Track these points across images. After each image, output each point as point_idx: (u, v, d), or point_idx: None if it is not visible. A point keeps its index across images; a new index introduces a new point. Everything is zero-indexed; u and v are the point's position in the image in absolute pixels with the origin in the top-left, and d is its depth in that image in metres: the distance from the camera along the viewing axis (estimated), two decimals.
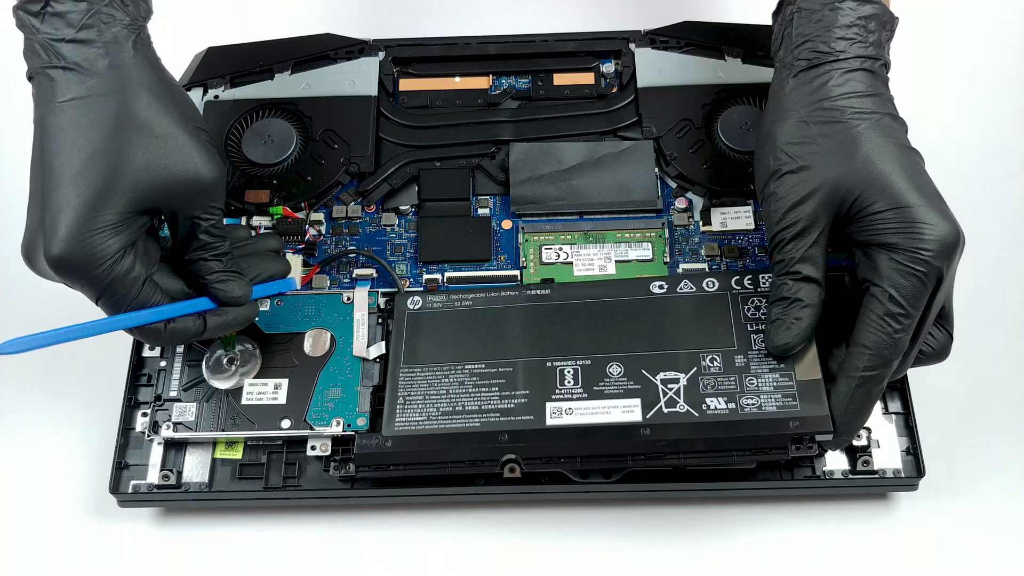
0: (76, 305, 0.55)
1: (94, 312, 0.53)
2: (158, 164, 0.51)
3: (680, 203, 0.64)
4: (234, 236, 0.56)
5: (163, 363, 0.59)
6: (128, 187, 0.50)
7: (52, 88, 0.50)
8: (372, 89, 0.68)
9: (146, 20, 0.53)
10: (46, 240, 0.49)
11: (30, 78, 0.51)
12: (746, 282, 0.58)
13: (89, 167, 0.50)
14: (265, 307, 0.60)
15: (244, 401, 0.58)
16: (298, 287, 0.61)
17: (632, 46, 0.69)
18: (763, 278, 0.57)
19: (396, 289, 0.61)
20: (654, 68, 0.68)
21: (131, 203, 0.50)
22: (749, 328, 0.56)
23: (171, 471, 0.57)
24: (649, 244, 0.62)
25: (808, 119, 0.53)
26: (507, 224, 0.64)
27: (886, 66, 0.54)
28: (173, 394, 0.58)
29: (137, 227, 0.51)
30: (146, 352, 0.60)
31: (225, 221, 0.56)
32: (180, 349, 0.60)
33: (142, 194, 0.51)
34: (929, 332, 0.53)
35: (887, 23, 0.54)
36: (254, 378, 0.58)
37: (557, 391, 0.55)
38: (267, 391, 0.58)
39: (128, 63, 0.51)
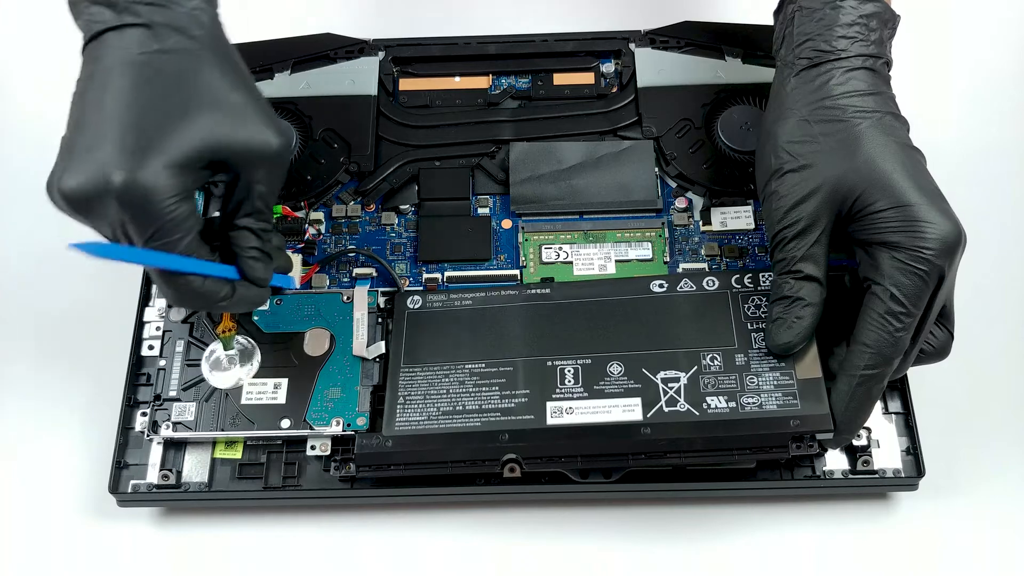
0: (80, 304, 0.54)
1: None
2: (235, 120, 0.50)
3: (680, 203, 0.64)
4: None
5: (162, 362, 0.59)
6: (198, 134, 0.49)
7: (123, 44, 0.49)
8: (372, 89, 0.68)
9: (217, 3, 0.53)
10: (106, 170, 0.47)
11: (92, 39, 0.50)
12: (746, 281, 0.58)
13: (159, 108, 0.49)
14: (265, 307, 0.60)
15: (244, 401, 0.58)
16: (297, 286, 0.61)
17: (632, 46, 0.69)
18: (763, 277, 0.57)
19: (396, 288, 0.61)
20: (654, 68, 0.68)
21: (199, 149, 0.49)
22: (749, 327, 0.56)
23: (171, 471, 0.57)
24: (649, 244, 0.62)
25: (809, 118, 0.53)
26: (507, 224, 0.64)
27: (888, 64, 0.54)
28: (172, 394, 0.58)
29: (200, 177, 0.50)
30: (145, 352, 0.60)
31: None
32: (180, 349, 0.60)
33: (211, 145, 0.50)
34: (930, 331, 0.53)
35: (889, 21, 0.54)
36: (254, 378, 0.58)
37: (557, 390, 0.55)
38: (267, 391, 0.58)
39: (208, 31, 0.51)
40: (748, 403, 0.54)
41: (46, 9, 0.76)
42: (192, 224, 0.50)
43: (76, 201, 0.48)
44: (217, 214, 0.54)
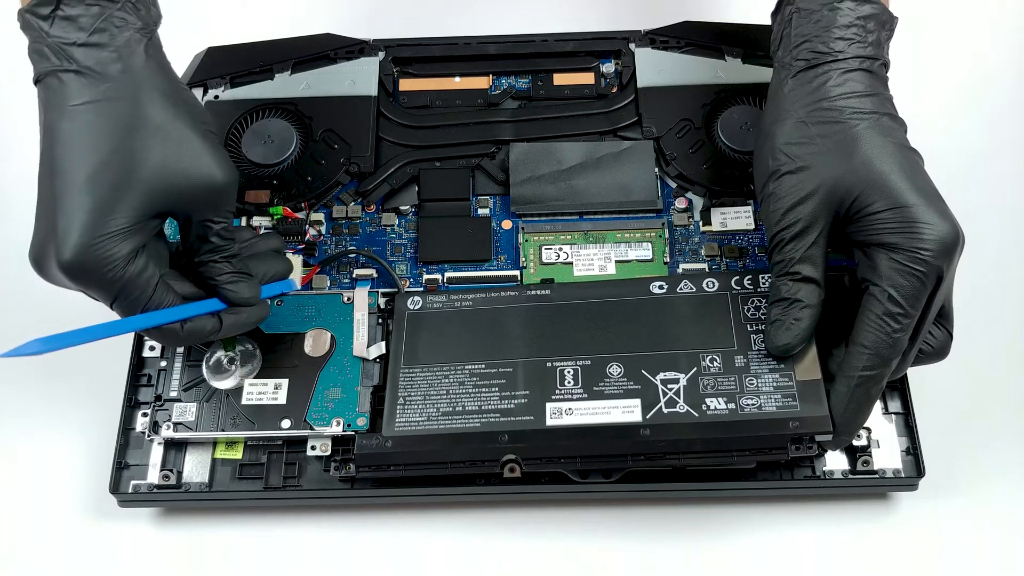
0: (80, 308, 0.55)
1: (98, 315, 0.52)
2: (173, 168, 0.51)
3: (680, 203, 0.64)
4: (239, 238, 0.56)
5: (163, 363, 0.59)
6: (142, 190, 0.50)
7: (63, 92, 0.50)
8: (372, 89, 0.68)
9: (156, 25, 0.53)
10: (58, 246, 0.49)
11: (36, 81, 0.51)
12: (746, 282, 0.58)
13: (102, 171, 0.49)
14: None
15: (244, 401, 0.58)
16: (298, 287, 0.61)
17: (632, 46, 0.69)
18: (763, 278, 0.57)
19: (396, 289, 0.61)
20: (654, 68, 0.68)
21: (144, 206, 0.50)
22: (749, 328, 0.56)
23: (171, 471, 0.57)
24: (649, 244, 0.62)
25: (807, 119, 0.53)
26: (507, 224, 0.64)
27: (885, 66, 0.54)
28: (173, 394, 0.58)
29: (149, 229, 0.51)
30: (146, 352, 0.60)
31: None
32: (180, 350, 0.60)
33: (156, 197, 0.50)
34: (929, 331, 0.53)
35: (886, 23, 0.54)
36: (254, 378, 0.58)
37: (557, 391, 0.55)
38: (267, 391, 0.58)
39: (140, 67, 0.51)
40: (747, 404, 0.54)
41: None
42: (150, 277, 0.51)
43: (36, 268, 0.51)
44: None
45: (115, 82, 0.50)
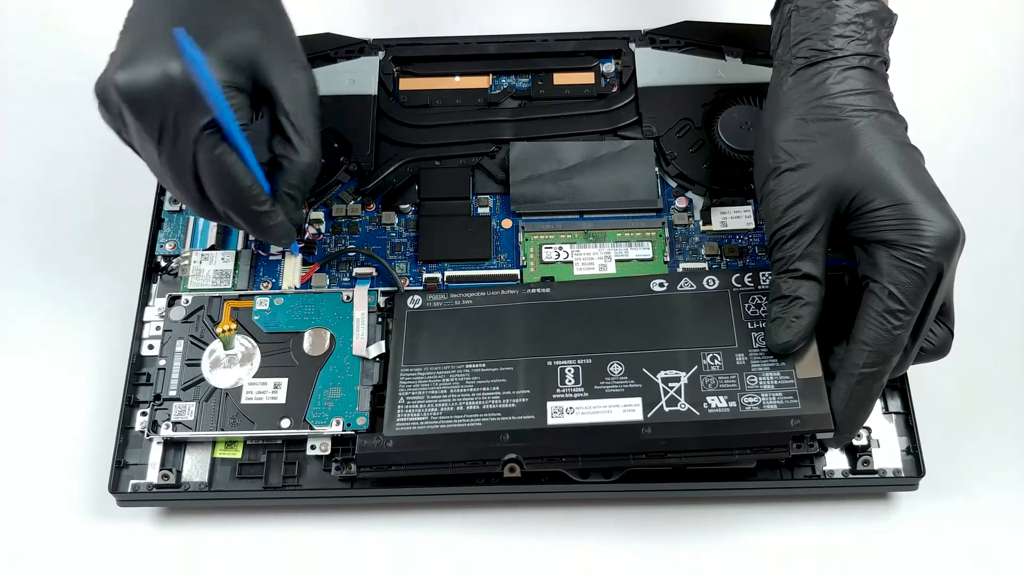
0: None
1: None
2: (271, 35, 0.54)
3: (680, 202, 0.64)
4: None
5: (162, 362, 0.59)
6: (246, 37, 0.52)
7: None
8: (372, 88, 0.68)
9: None
10: (168, 59, 0.49)
11: None
12: (746, 280, 0.58)
13: (212, 8, 0.52)
14: (265, 306, 0.60)
15: (244, 400, 0.58)
16: (297, 285, 0.61)
17: (632, 46, 0.69)
18: (763, 276, 0.57)
19: (396, 288, 0.61)
20: (654, 68, 0.68)
21: (247, 49, 0.52)
22: (750, 326, 0.56)
23: (170, 470, 0.57)
24: (649, 243, 0.62)
25: (807, 117, 0.53)
26: (507, 223, 0.64)
27: (885, 63, 0.54)
28: (172, 393, 0.58)
29: (246, 80, 0.53)
30: (145, 351, 0.60)
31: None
32: (179, 348, 0.59)
33: (255, 48, 0.53)
34: (930, 329, 0.53)
35: (886, 20, 0.54)
36: (254, 377, 0.58)
37: (558, 390, 0.55)
38: (267, 390, 0.58)
39: None
40: (748, 403, 0.54)
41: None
42: (245, 117, 0.52)
43: (133, 95, 0.50)
44: None
45: None
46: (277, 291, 0.61)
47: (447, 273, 0.62)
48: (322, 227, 0.64)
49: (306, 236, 0.63)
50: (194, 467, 0.58)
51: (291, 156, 0.55)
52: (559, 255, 0.62)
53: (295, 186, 0.56)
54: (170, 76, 0.50)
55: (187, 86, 0.49)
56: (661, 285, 0.58)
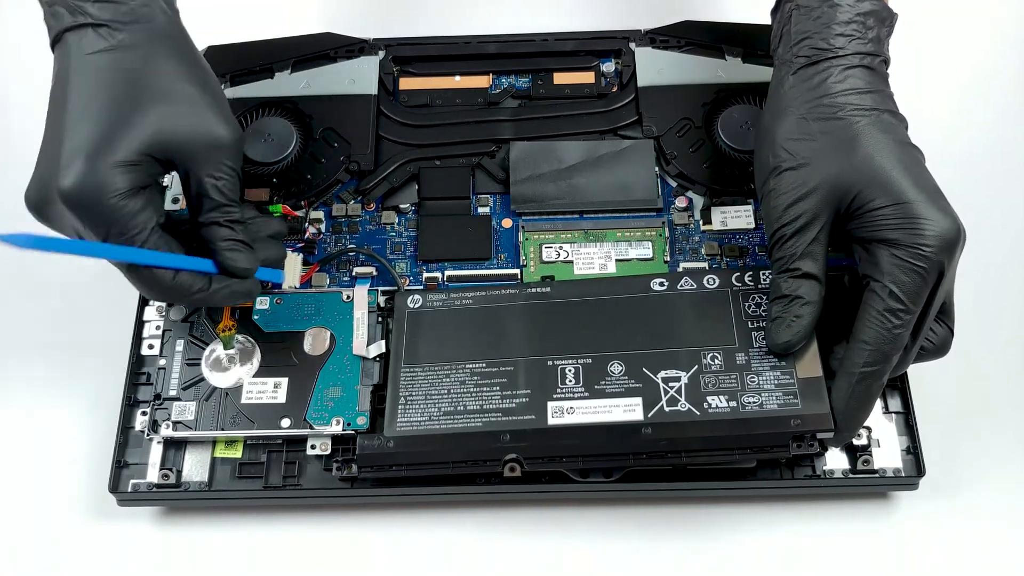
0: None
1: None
2: (177, 116, 0.52)
3: (680, 202, 0.64)
4: (244, 210, 0.56)
5: (162, 362, 0.59)
6: (146, 130, 0.51)
7: (79, 44, 0.52)
8: (372, 88, 0.68)
9: None
10: (60, 173, 0.50)
11: (54, 44, 0.53)
12: (747, 279, 0.58)
13: (107, 107, 0.51)
14: (265, 305, 0.60)
15: (244, 400, 0.58)
16: (296, 286, 0.60)
17: (632, 45, 0.69)
18: (764, 275, 0.57)
19: (396, 288, 0.61)
20: (654, 67, 0.68)
21: (147, 145, 0.51)
22: (750, 325, 0.56)
23: (171, 470, 0.57)
24: (649, 243, 0.62)
25: (808, 116, 0.53)
26: (507, 223, 0.64)
27: (886, 62, 0.54)
28: (172, 393, 0.58)
29: (149, 173, 0.52)
30: (145, 351, 0.60)
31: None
32: (180, 348, 0.59)
33: (158, 140, 0.52)
34: (930, 328, 0.53)
35: (886, 19, 0.54)
36: (254, 377, 0.58)
37: (558, 390, 0.55)
38: (267, 390, 0.58)
39: (155, 24, 0.53)
40: (749, 402, 0.54)
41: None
42: (147, 219, 0.52)
43: (34, 209, 0.52)
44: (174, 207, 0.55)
45: (129, 34, 0.52)
46: (277, 291, 0.61)
47: (447, 273, 0.62)
48: (322, 227, 0.64)
49: (306, 236, 0.63)
50: (194, 467, 0.58)
51: (219, 222, 0.54)
52: (559, 255, 0.62)
53: (225, 218, 0.54)
54: (59, 193, 0.50)
55: (75, 202, 0.50)
56: (661, 284, 0.58)
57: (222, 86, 0.67)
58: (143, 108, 0.51)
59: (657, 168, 0.65)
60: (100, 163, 0.50)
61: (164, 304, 0.61)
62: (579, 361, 0.56)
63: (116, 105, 0.51)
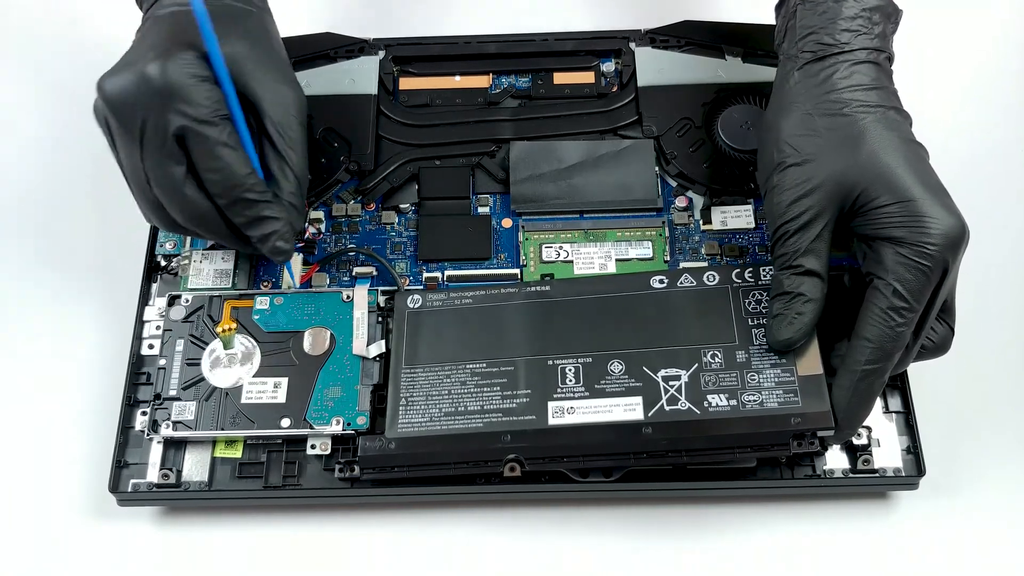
0: None
1: None
2: (258, 64, 0.55)
3: (680, 202, 0.64)
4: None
5: (162, 361, 0.59)
6: (231, 49, 0.54)
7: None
8: (372, 88, 0.68)
9: None
10: (146, 64, 0.52)
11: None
12: (747, 275, 0.57)
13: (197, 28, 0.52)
14: (265, 306, 0.60)
15: (244, 400, 0.57)
16: (297, 285, 0.60)
17: (632, 45, 0.69)
18: (764, 271, 0.57)
19: (396, 287, 0.61)
20: (654, 67, 0.68)
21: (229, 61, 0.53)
22: (750, 323, 0.56)
23: (171, 470, 0.57)
24: (649, 243, 0.62)
25: (813, 112, 0.53)
26: (507, 223, 0.64)
27: (890, 59, 0.54)
28: (172, 393, 0.58)
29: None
30: (145, 351, 0.60)
31: None
32: (180, 348, 0.59)
33: (239, 64, 0.55)
34: (931, 326, 0.53)
35: (892, 15, 0.54)
36: (254, 377, 0.58)
37: (559, 390, 0.55)
38: (267, 390, 0.58)
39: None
40: (749, 401, 0.54)
41: None
42: (218, 97, 0.53)
43: (115, 101, 0.52)
44: None
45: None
46: (277, 291, 0.61)
47: (447, 272, 0.62)
48: (322, 226, 0.64)
49: (306, 236, 0.63)
50: (194, 467, 0.58)
51: (282, 166, 0.56)
52: (559, 254, 0.62)
53: (292, 193, 0.56)
54: (148, 77, 0.51)
55: (167, 84, 0.51)
56: (661, 282, 0.58)
57: None
58: (227, 38, 0.53)
59: (657, 168, 0.65)
60: (186, 55, 0.52)
61: (165, 303, 0.61)
62: (579, 360, 0.56)
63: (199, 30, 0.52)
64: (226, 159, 0.53)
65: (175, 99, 0.52)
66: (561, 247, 0.62)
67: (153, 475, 0.57)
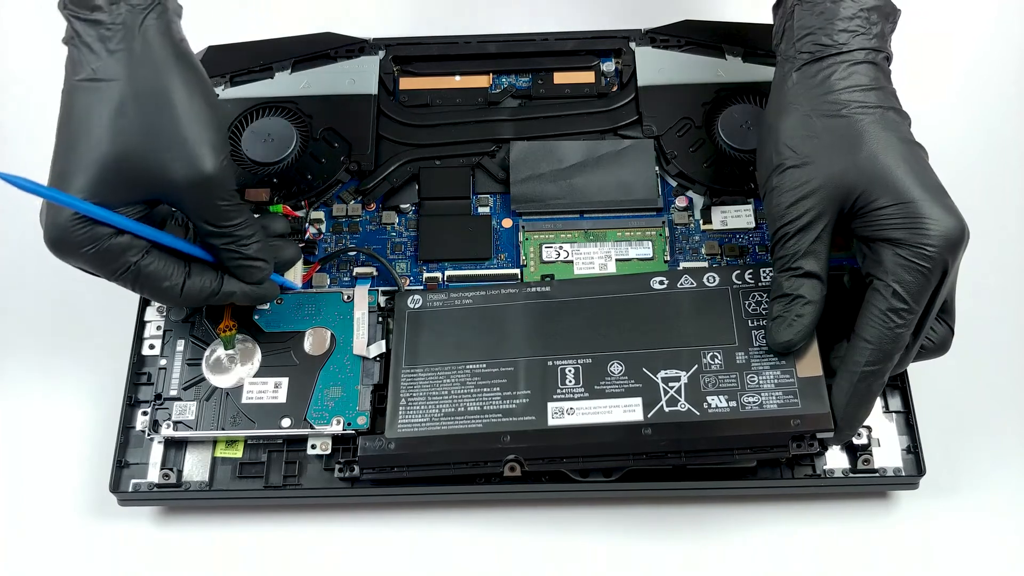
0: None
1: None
2: (154, 159, 0.51)
3: (680, 202, 0.64)
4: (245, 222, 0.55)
5: (163, 362, 0.59)
6: (123, 181, 0.51)
7: (71, 63, 0.52)
8: (372, 88, 0.68)
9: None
10: (45, 228, 0.51)
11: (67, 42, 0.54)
12: (747, 276, 0.57)
13: (87, 155, 0.51)
14: (265, 306, 0.60)
15: (244, 400, 0.58)
16: (299, 286, 0.61)
17: (632, 45, 0.69)
18: (764, 272, 0.57)
19: (396, 288, 0.61)
20: (654, 67, 0.68)
21: (127, 198, 0.51)
22: (750, 324, 0.56)
23: (171, 470, 0.57)
24: (649, 243, 0.62)
25: (811, 113, 0.53)
26: (507, 223, 0.64)
27: (888, 59, 0.54)
28: (173, 393, 0.58)
29: (133, 212, 0.52)
30: (146, 351, 0.60)
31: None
32: (180, 348, 0.59)
33: (138, 190, 0.52)
34: (931, 327, 0.53)
35: (890, 15, 0.54)
36: (254, 377, 0.58)
37: (558, 391, 0.55)
38: (267, 390, 0.58)
39: (139, 46, 0.51)
40: (749, 402, 0.54)
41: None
42: (140, 246, 0.52)
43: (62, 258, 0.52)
44: None
45: (109, 60, 0.51)
46: None
47: (447, 273, 0.62)
48: (322, 227, 0.64)
49: (307, 236, 0.63)
50: (195, 466, 0.58)
51: (227, 244, 0.54)
52: (559, 254, 0.62)
53: (245, 257, 0.55)
54: (51, 244, 0.51)
55: (67, 255, 0.51)
56: (661, 283, 0.58)
57: (222, 87, 0.68)
58: (118, 154, 0.50)
59: (657, 168, 0.65)
60: (72, 216, 0.50)
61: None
62: (579, 361, 0.56)
63: (94, 153, 0.50)
64: (171, 280, 0.53)
65: (85, 263, 0.52)
66: (561, 247, 0.62)
67: (154, 475, 0.57)
